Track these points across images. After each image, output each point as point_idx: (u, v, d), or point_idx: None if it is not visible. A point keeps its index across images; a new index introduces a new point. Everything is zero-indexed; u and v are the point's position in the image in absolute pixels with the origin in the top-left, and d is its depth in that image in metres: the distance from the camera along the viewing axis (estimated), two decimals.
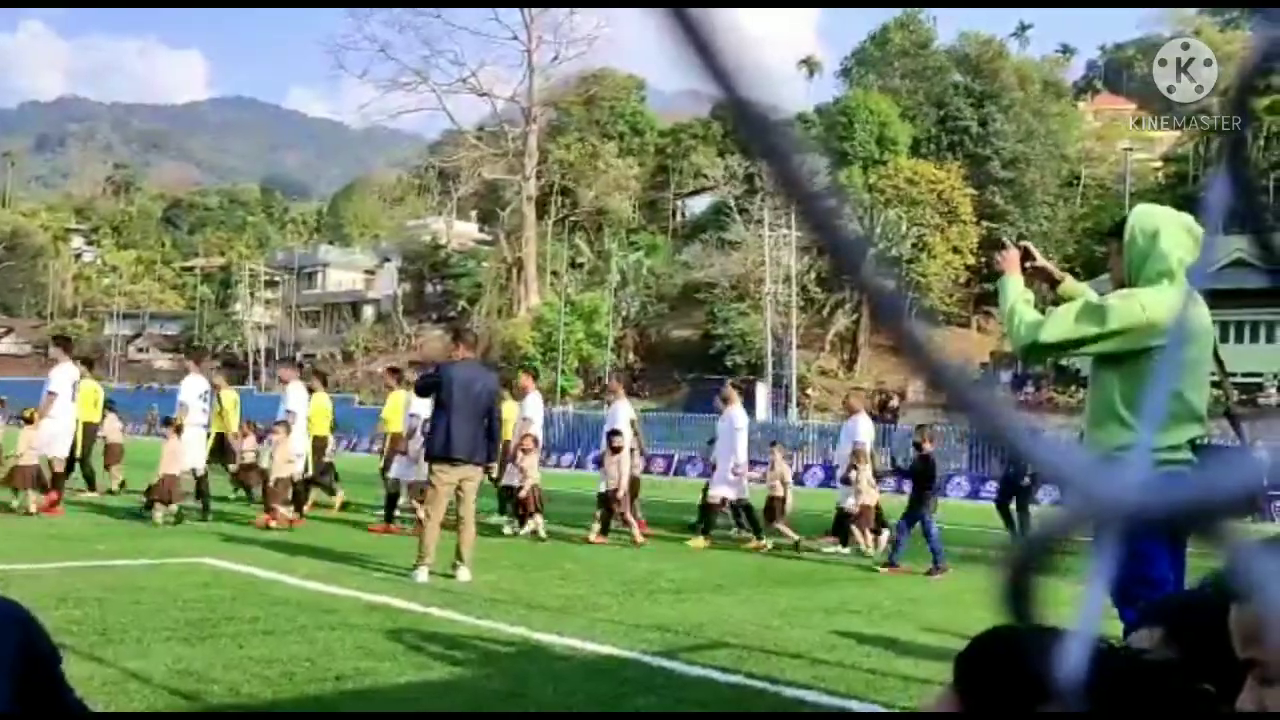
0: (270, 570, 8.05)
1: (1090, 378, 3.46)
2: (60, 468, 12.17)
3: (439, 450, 8.39)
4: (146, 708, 4.14)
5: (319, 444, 13.30)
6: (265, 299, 70.82)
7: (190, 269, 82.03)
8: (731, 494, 11.82)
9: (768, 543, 11.34)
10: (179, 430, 11.52)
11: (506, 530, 11.82)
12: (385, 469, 12.46)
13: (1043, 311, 3.37)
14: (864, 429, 11.76)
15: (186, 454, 11.53)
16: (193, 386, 12.13)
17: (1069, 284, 3.71)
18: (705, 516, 11.95)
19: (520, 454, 11.58)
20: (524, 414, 12.19)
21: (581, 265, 56.50)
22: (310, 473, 12.61)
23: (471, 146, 61.03)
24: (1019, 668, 0.78)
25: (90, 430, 13.58)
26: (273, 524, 10.98)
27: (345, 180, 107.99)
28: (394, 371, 14.06)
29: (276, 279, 72.26)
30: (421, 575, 8.08)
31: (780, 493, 11.66)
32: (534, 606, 7.06)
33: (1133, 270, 3.35)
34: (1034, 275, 3.59)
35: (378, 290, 70.28)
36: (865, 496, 11.10)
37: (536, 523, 11.36)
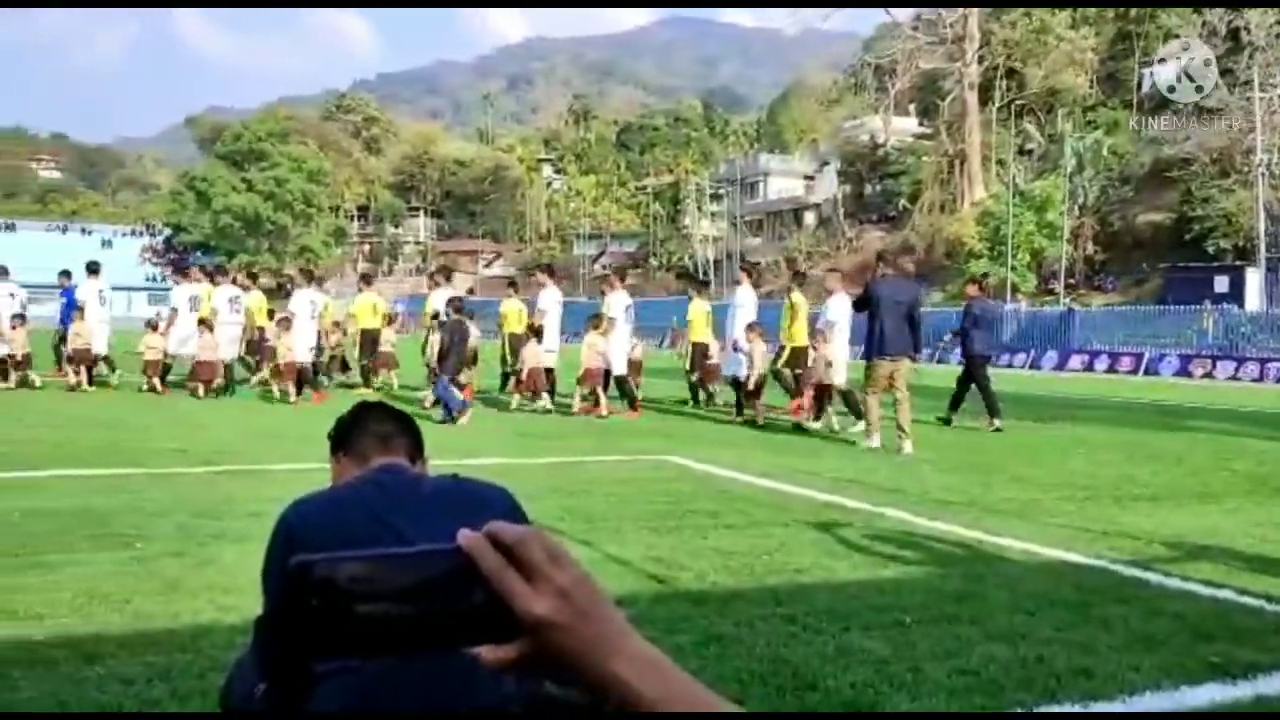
0: (726, 468, 8.52)
1: None
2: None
3: (875, 349, 10.24)
4: (627, 588, 4.57)
5: (369, 335, 16.39)
6: (711, 212, 73.87)
7: (642, 188, 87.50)
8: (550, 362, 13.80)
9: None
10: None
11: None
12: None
13: None
14: None
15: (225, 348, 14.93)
16: (222, 293, 15.43)
17: None
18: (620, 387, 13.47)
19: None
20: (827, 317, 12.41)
21: (1030, 151, 52.65)
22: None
23: (908, 38, 58.69)
24: None
25: (369, 335, 16.40)
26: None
27: (781, 88, 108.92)
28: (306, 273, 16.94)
29: (720, 191, 75.02)
30: (874, 441, 10.02)
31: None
32: (988, 509, 6.86)
33: None
34: None
35: (818, 195, 70.57)
36: None
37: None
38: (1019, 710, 3.34)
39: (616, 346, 13.40)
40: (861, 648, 3.84)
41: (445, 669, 1.70)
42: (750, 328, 12.50)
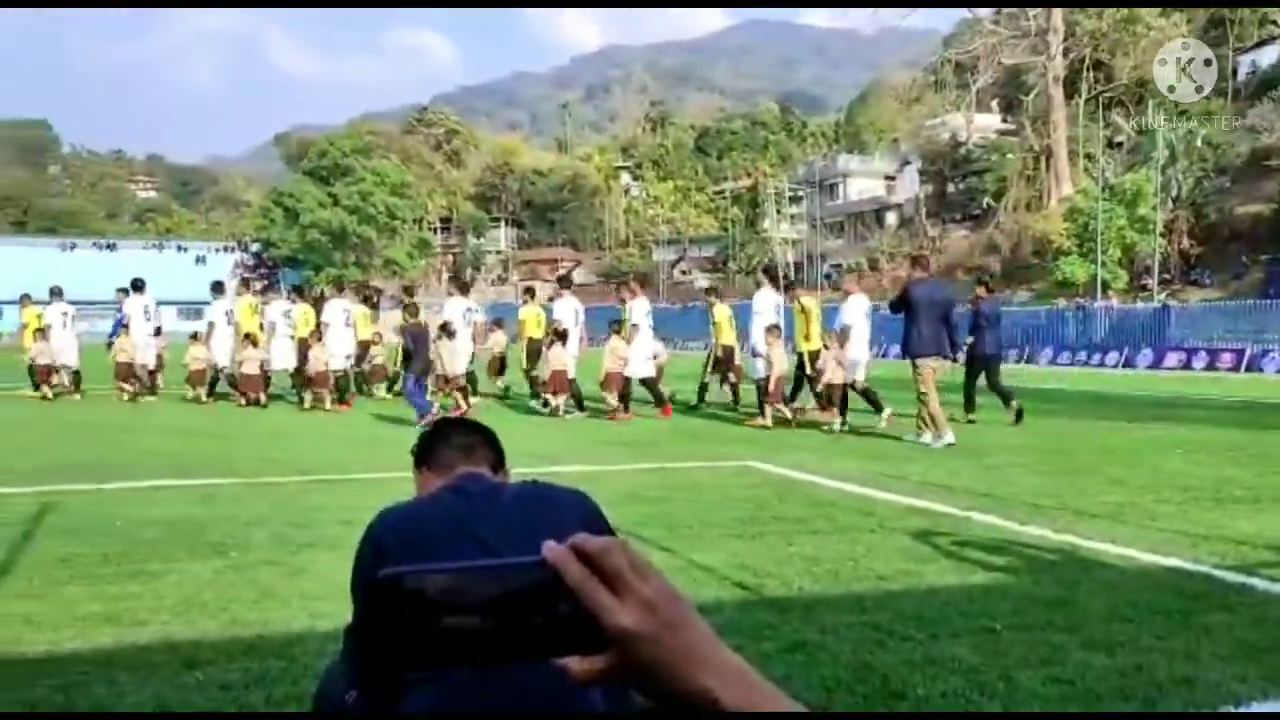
0: (810, 473, 8.44)
1: None
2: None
3: (915, 350, 10.58)
4: (711, 595, 4.56)
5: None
6: (790, 214, 73.33)
7: (720, 193, 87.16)
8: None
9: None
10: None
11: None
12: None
13: None
14: None
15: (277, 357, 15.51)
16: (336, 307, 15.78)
17: None
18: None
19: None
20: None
21: (1120, 145, 51.19)
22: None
23: (989, 33, 57.58)
24: None
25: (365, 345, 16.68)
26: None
27: (859, 88, 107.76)
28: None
29: (799, 194, 74.44)
30: (948, 437, 10.21)
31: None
32: (1082, 513, 6.68)
33: None
34: None
35: (899, 195, 69.63)
36: None
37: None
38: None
39: (639, 351, 13.54)
40: (951, 655, 3.76)
41: (533, 678, 1.71)
42: (769, 329, 12.56)
